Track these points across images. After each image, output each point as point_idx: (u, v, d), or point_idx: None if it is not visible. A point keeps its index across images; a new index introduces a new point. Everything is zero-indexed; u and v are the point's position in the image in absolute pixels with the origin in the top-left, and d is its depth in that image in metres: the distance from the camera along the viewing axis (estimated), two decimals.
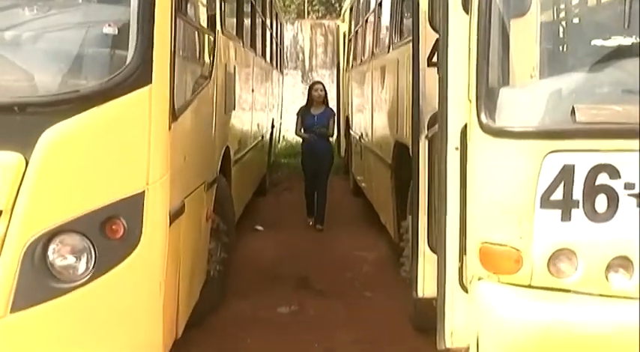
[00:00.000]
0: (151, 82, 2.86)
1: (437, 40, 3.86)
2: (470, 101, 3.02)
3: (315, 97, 8.17)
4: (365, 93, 8.04)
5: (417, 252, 4.03)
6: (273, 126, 11.33)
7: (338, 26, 13.66)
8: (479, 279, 2.99)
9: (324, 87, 8.37)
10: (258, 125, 8.44)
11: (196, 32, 4.08)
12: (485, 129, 2.93)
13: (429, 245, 4.01)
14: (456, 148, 3.14)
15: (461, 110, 3.10)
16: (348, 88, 11.24)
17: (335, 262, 6.87)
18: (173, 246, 3.28)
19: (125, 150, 2.85)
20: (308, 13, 20.15)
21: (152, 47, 2.84)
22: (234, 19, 6.11)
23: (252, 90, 7.46)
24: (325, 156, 8.26)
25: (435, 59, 3.90)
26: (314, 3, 20.47)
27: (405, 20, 5.55)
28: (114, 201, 2.81)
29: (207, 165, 4.36)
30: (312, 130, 8.04)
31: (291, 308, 5.47)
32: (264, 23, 9.55)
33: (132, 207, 2.82)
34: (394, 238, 5.92)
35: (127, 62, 2.81)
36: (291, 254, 7.20)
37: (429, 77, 3.91)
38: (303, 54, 17.44)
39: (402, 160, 5.45)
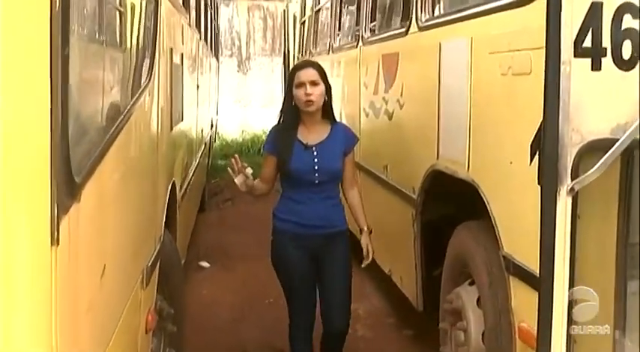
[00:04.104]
0: None
1: (591, 6, 2.06)
2: None
3: (303, 101, 3.35)
4: (346, 91, 6.09)
5: None
6: (212, 126, 9.33)
7: (286, 7, 11.68)
8: None
9: (321, 74, 3.41)
10: (202, 131, 6.41)
11: None
12: None
13: None
14: None
15: None
16: None
17: (316, 318, 5.03)
18: None
19: None
20: None
21: None
22: None
23: (198, 87, 5.43)
24: (338, 255, 3.51)
25: (587, 44, 2.07)
26: None
27: None
28: None
29: (146, 241, 2.40)
30: (312, 184, 3.40)
31: None
32: None
33: None
34: (417, 306, 4.08)
35: None
36: (253, 305, 5.30)
37: (579, 76, 2.07)
38: (240, 40, 15.40)
39: (439, 198, 3.65)
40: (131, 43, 2.24)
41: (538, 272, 2.22)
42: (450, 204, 3.66)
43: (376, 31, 5.15)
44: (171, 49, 3.11)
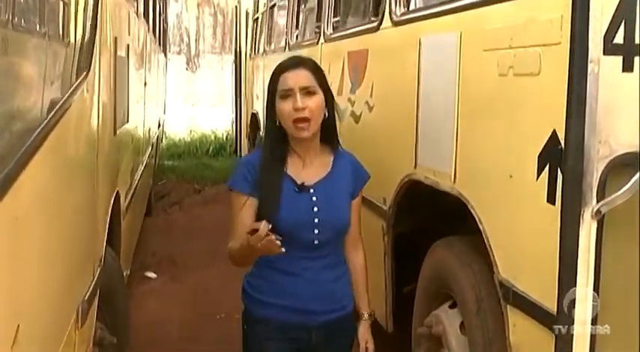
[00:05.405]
0: None
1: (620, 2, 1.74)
2: None
3: (291, 120, 2.23)
4: None
5: None
6: (159, 126, 8.85)
7: (238, 2, 11.22)
8: None
9: (319, 77, 2.31)
10: (149, 131, 5.95)
11: None
12: None
13: None
14: None
15: None
16: (255, 78, 8.94)
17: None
18: None
19: None
20: None
21: None
22: None
23: (146, 84, 4.97)
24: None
25: (619, 39, 1.74)
26: None
27: None
28: None
29: (81, 272, 2.00)
30: (309, 246, 2.29)
31: None
32: None
33: None
34: (386, 327, 3.73)
35: None
36: (203, 321, 4.90)
37: (608, 78, 1.75)
38: (189, 36, 14.88)
39: (413, 210, 3.33)
40: (61, 27, 1.81)
41: (551, 306, 1.90)
42: (425, 217, 3.34)
43: (340, 27, 4.79)
44: (116, 39, 2.68)
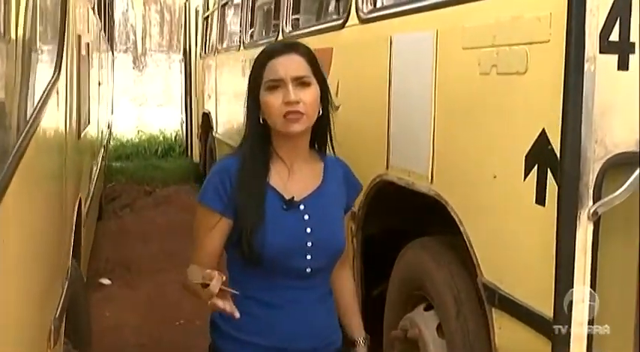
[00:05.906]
0: None
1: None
2: None
3: (280, 116, 1.82)
4: None
5: None
6: (108, 126, 8.62)
7: (187, 1, 11.01)
8: None
9: (314, 66, 1.88)
10: (102, 133, 5.76)
11: None
12: None
13: None
14: None
15: None
16: (206, 77, 8.77)
17: None
18: None
19: None
20: None
21: None
22: None
23: (100, 84, 4.80)
24: None
25: (614, 37, 1.71)
26: None
27: None
28: None
29: (51, 289, 1.89)
30: (299, 275, 1.91)
31: None
32: None
33: None
34: None
35: None
36: (162, 328, 4.75)
37: (603, 77, 1.71)
38: (135, 34, 14.56)
39: (383, 211, 3.25)
40: (33, 24, 1.67)
41: (543, 308, 1.86)
42: (396, 219, 3.29)
43: (301, 25, 4.71)
44: (80, 37, 2.52)
